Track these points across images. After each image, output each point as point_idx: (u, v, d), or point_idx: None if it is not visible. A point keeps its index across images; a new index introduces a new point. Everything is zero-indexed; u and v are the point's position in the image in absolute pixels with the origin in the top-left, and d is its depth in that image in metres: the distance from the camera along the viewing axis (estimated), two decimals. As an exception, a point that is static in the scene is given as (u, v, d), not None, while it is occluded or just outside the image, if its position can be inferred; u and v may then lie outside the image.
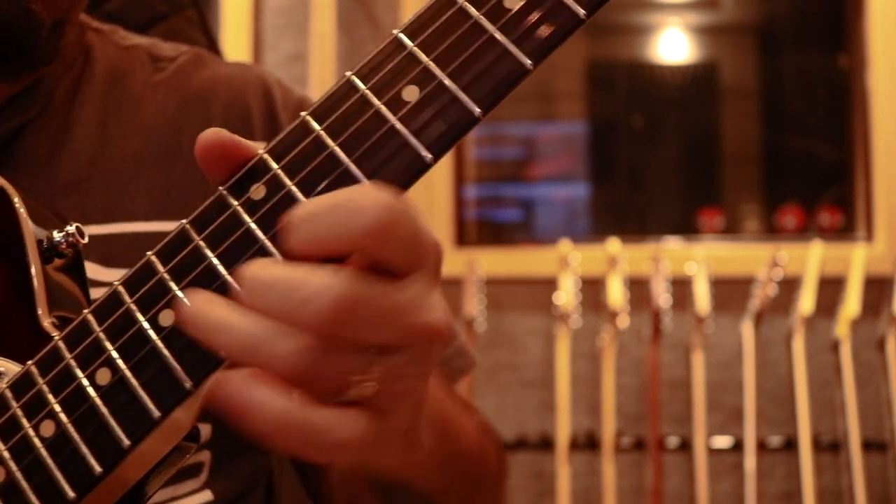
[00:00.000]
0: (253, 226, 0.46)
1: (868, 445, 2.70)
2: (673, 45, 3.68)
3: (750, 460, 2.67)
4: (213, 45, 0.93)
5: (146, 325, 0.46)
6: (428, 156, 0.45)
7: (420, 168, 0.45)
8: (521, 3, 0.46)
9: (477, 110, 0.45)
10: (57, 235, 0.56)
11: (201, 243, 0.46)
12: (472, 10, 0.46)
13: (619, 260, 2.78)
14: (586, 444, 2.84)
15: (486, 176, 3.52)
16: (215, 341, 0.43)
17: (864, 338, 2.76)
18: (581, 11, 0.45)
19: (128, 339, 0.47)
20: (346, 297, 0.41)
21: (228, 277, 0.45)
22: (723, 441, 2.83)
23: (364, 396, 0.44)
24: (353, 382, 0.43)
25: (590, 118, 3.75)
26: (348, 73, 0.47)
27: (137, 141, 0.75)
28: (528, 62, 0.45)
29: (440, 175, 3.02)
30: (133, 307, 0.47)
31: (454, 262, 2.96)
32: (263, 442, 0.42)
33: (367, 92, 0.46)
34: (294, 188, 0.46)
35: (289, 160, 0.46)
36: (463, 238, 3.13)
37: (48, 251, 0.56)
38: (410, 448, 0.51)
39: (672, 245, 3.03)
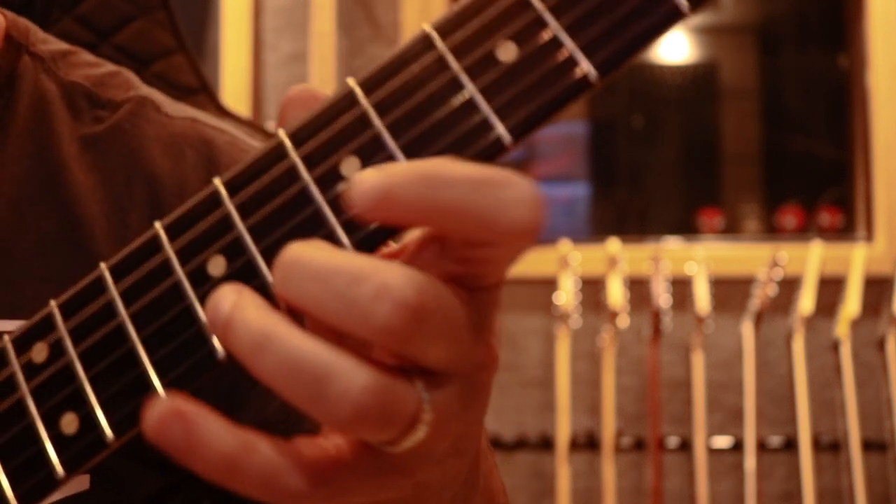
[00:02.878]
0: (28, 398, 0.40)
1: (868, 445, 2.70)
2: (673, 45, 3.68)
3: (750, 460, 2.67)
4: (182, 46, 0.92)
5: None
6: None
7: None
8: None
9: (507, 137, 0.37)
10: None
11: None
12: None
13: (619, 260, 2.78)
14: (586, 444, 2.84)
15: (486, 176, 3.51)
16: (254, 362, 0.34)
17: (864, 338, 2.76)
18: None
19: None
20: (414, 301, 0.33)
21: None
22: (723, 441, 2.83)
23: (418, 443, 0.36)
24: (416, 419, 0.35)
25: (590, 118, 3.75)
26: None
27: (51, 222, 0.64)
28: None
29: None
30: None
31: (454, 262, 2.96)
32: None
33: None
34: (77, 360, 0.40)
35: (80, 321, 0.40)
36: (463, 238, 3.12)
37: None
38: None
39: (672, 245, 3.03)
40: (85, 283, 0.41)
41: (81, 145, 0.66)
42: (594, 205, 3.67)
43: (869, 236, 2.93)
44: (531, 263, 2.98)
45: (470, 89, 0.36)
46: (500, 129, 0.36)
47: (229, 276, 0.38)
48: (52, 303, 0.41)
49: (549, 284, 2.84)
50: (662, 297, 2.77)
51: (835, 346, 2.71)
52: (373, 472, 0.37)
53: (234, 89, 2.92)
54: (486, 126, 0.36)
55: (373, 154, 0.37)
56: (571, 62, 0.36)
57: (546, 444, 2.87)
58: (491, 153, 0.36)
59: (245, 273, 0.38)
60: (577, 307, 2.80)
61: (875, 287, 2.76)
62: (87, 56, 0.71)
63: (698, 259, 2.81)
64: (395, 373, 0.35)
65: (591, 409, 2.86)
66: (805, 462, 2.64)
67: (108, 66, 0.71)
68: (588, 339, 2.87)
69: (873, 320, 2.77)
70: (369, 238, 0.37)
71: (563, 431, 2.73)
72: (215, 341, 0.37)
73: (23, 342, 0.41)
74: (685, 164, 3.74)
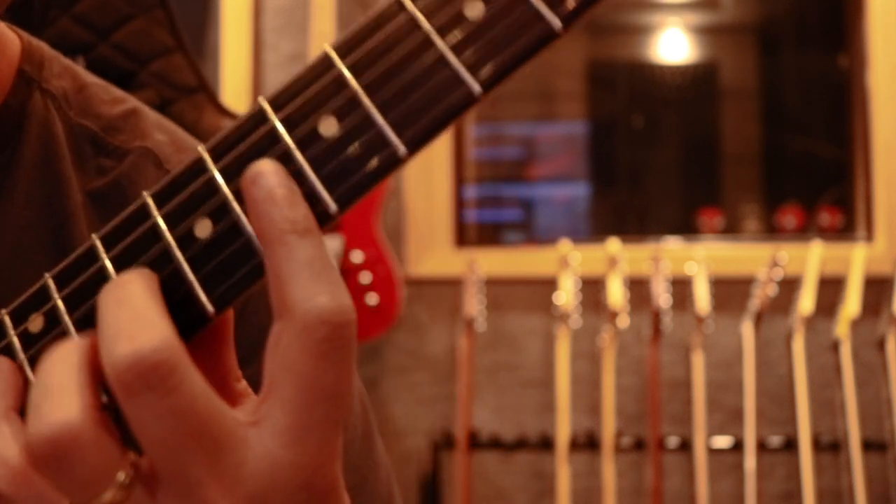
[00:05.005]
0: (26, 364, 0.42)
1: (868, 445, 2.70)
2: (673, 45, 3.68)
3: (750, 460, 2.67)
4: (181, 45, 0.92)
5: None
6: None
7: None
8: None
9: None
10: None
11: None
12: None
13: (619, 260, 2.78)
14: (586, 444, 2.84)
15: (486, 176, 3.52)
16: None
17: (864, 338, 2.76)
18: None
19: None
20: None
21: None
22: (723, 441, 2.83)
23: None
24: (103, 481, 0.37)
25: (590, 118, 3.75)
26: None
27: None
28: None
29: (440, 175, 3.02)
30: None
31: (454, 262, 2.96)
32: None
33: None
34: (72, 325, 0.41)
35: (73, 288, 0.42)
36: (463, 238, 3.13)
37: None
38: None
39: (672, 245, 3.03)
40: (77, 255, 0.42)
41: (86, 198, 0.64)
42: (594, 205, 3.67)
43: (869, 236, 2.93)
44: (531, 263, 2.98)
45: (440, 46, 0.38)
46: (471, 82, 0.38)
47: (216, 238, 0.39)
48: (46, 275, 0.42)
49: (549, 284, 2.84)
50: (662, 297, 2.77)
51: (835, 346, 2.71)
52: None
53: (234, 89, 2.92)
54: (457, 81, 0.38)
55: (349, 113, 0.38)
56: (535, 15, 0.37)
57: (546, 444, 2.87)
58: (462, 106, 0.38)
59: (230, 234, 0.39)
60: (577, 307, 2.80)
61: (875, 287, 2.76)
62: (102, 92, 0.68)
63: (698, 259, 2.81)
64: (104, 432, 0.37)
65: (591, 409, 2.86)
66: (805, 462, 2.64)
67: (125, 105, 0.68)
68: (588, 339, 2.87)
69: (873, 320, 2.77)
70: (348, 193, 0.38)
71: (563, 431, 2.72)
72: (203, 302, 0.39)
73: (19, 314, 0.42)
74: (685, 164, 3.74)
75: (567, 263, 2.79)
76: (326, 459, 0.37)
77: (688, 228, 3.30)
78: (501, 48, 0.38)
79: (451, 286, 2.93)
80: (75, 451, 0.36)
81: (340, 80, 0.39)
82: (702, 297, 2.76)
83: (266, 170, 0.38)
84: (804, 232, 3.19)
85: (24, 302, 0.43)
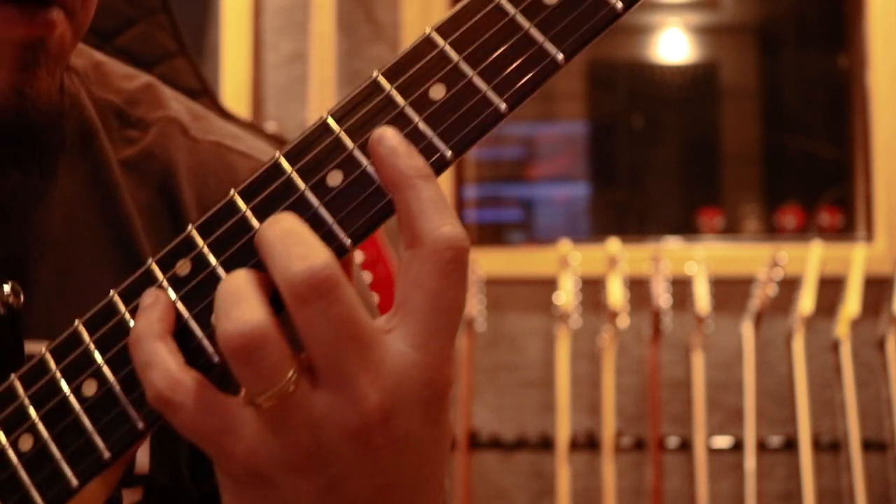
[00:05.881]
0: (179, 303, 0.47)
1: (868, 445, 2.70)
2: (673, 45, 3.68)
3: (750, 460, 2.67)
4: (183, 49, 0.92)
5: (70, 394, 0.48)
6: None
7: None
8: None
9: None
10: None
11: (127, 316, 0.48)
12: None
13: (619, 260, 2.78)
14: (586, 444, 2.85)
15: (486, 176, 3.52)
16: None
17: (864, 338, 2.77)
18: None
19: (52, 407, 0.48)
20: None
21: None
22: (723, 441, 2.83)
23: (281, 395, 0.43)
24: (276, 377, 0.43)
25: (590, 118, 3.75)
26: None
27: (104, 242, 0.66)
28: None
29: (440, 175, 3.02)
30: (59, 375, 0.48)
31: (454, 262, 2.96)
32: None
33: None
34: (219, 267, 0.47)
35: (216, 236, 0.47)
36: (463, 238, 3.12)
37: None
38: None
39: (672, 245, 3.03)
40: (217, 209, 0.48)
41: (118, 169, 0.68)
42: (594, 205, 3.67)
43: (869, 236, 2.93)
44: (531, 263, 2.98)
45: (525, 26, 0.47)
46: (554, 51, 0.46)
47: (348, 185, 0.46)
48: (191, 226, 0.48)
49: (549, 284, 2.84)
50: (662, 297, 2.77)
51: (835, 346, 2.71)
52: (223, 418, 0.44)
53: (234, 89, 2.92)
54: (542, 52, 0.46)
55: (456, 81, 0.47)
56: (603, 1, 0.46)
57: (546, 444, 2.87)
58: (548, 72, 0.46)
59: (360, 181, 0.46)
60: (577, 307, 2.80)
61: (875, 287, 2.76)
62: (117, 68, 0.72)
63: (698, 259, 2.81)
64: (282, 334, 0.43)
65: (591, 409, 2.86)
66: (805, 462, 2.64)
67: (139, 80, 0.72)
68: (588, 339, 2.87)
69: (873, 320, 2.77)
70: (461, 143, 0.46)
71: (563, 431, 2.73)
72: (342, 238, 0.46)
73: (166, 262, 0.48)
74: (685, 164, 3.74)
75: (567, 263, 2.79)
76: (446, 361, 0.45)
77: (688, 228, 3.30)
78: (579, 25, 0.46)
79: (452, 286, 2.93)
80: (262, 347, 0.42)
81: (444, 55, 0.47)
82: (702, 297, 2.76)
83: (388, 133, 0.46)
84: (804, 232, 3.19)
85: (168, 252, 0.48)
